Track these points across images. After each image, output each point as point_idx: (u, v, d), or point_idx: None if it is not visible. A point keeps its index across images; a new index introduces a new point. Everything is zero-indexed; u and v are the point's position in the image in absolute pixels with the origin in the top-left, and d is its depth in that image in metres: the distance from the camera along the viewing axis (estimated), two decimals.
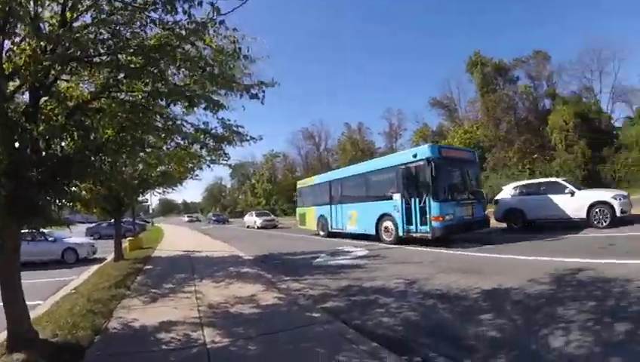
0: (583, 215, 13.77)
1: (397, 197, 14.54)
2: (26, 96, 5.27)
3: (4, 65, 4.65)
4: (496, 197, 17.33)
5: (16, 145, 4.71)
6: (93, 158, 5.67)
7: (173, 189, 15.41)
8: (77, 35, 4.59)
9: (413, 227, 13.79)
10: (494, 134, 43.95)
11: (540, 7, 73.70)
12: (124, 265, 12.17)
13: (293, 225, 30.36)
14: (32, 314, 5.77)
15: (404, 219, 14.08)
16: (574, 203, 14.05)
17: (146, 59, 4.97)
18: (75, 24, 4.83)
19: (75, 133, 5.53)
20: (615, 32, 62.47)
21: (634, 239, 10.72)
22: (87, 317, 6.06)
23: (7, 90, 4.80)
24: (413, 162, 13.95)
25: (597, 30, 66.08)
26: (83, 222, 29.95)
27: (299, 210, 25.11)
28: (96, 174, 6.29)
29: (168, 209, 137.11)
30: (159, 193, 16.20)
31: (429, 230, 12.99)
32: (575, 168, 35.91)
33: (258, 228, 35.04)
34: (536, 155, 39.83)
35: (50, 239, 14.95)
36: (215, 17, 4.60)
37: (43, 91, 5.13)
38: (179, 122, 6.40)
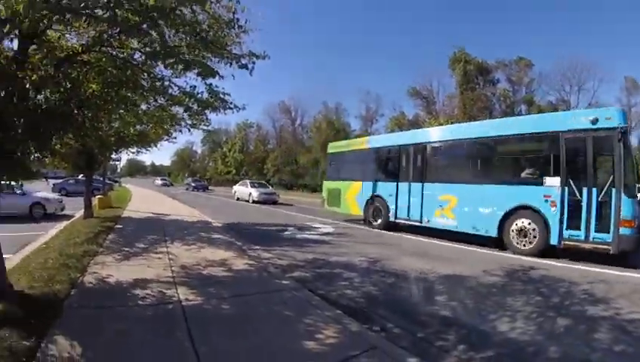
0: None
1: (553, 182, 9.53)
2: (14, 44, 5.20)
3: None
4: None
5: (1, 93, 4.66)
6: (76, 112, 5.66)
7: (147, 150, 15.21)
8: None
9: (580, 233, 9.03)
10: None
11: (532, 14, 74.86)
12: (95, 223, 12.07)
13: (308, 204, 29.80)
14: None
15: (564, 219, 9.25)
16: None
17: (144, 19, 4.97)
18: None
19: (62, 84, 5.52)
20: (600, 52, 65.00)
21: None
22: (62, 271, 6.07)
23: None
24: (589, 130, 9.08)
25: (583, 48, 69.63)
26: (49, 177, 29.21)
27: (328, 185, 18.03)
28: (78, 128, 6.27)
29: (135, 170, 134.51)
30: (132, 153, 15.92)
31: (610, 239, 8.56)
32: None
33: (254, 201, 28.65)
34: None
35: (18, 192, 14.47)
36: None
37: (33, 39, 5.08)
38: (166, 83, 6.40)
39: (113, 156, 17.78)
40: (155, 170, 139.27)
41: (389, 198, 14.04)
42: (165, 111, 7.94)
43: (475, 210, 11.05)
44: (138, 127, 11.10)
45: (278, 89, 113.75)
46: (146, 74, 6.16)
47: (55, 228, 11.47)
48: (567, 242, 9.16)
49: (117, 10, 4.89)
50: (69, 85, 5.57)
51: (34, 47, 5.28)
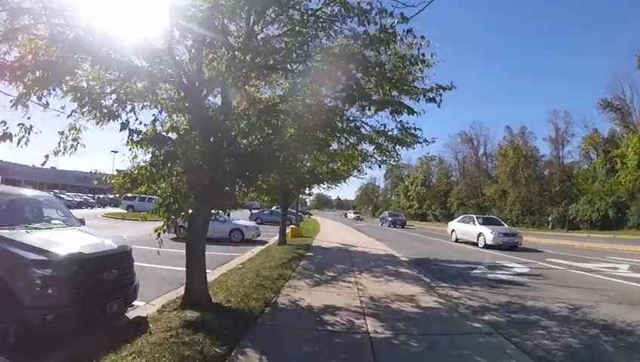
0: None
1: None
2: (219, 99, 6.24)
3: (205, 72, 5.58)
4: None
5: (211, 139, 5.56)
6: (277, 153, 6.45)
7: (336, 185, 16.42)
8: (259, 44, 5.29)
9: None
10: None
11: None
12: (288, 249, 13.40)
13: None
14: None
15: None
16: None
17: (333, 65, 5.43)
18: (260, 36, 5.59)
19: (265, 130, 6.38)
20: None
21: None
22: (257, 291, 6.76)
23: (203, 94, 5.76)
24: None
25: None
26: (247, 207, 33.35)
27: None
28: (279, 167, 7.14)
29: (322, 203, 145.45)
30: (323, 188, 17.43)
31: None
32: None
33: (486, 246, 19.35)
34: None
35: (220, 219, 16.59)
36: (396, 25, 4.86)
37: (232, 94, 5.97)
38: (358, 123, 6.86)
39: (306, 191, 19.50)
40: (340, 204, 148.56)
41: None
42: (356, 149, 8.52)
43: None
44: (331, 165, 12.11)
45: (459, 118, 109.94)
46: (338, 117, 6.69)
47: (251, 252, 13.01)
48: None
49: (307, 62, 5.51)
50: (270, 131, 6.41)
51: (236, 101, 6.24)
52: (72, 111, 5.35)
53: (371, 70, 5.49)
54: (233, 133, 5.82)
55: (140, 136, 5.13)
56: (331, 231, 27.58)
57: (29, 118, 4.83)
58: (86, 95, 5.16)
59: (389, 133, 6.90)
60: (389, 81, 5.75)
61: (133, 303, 5.52)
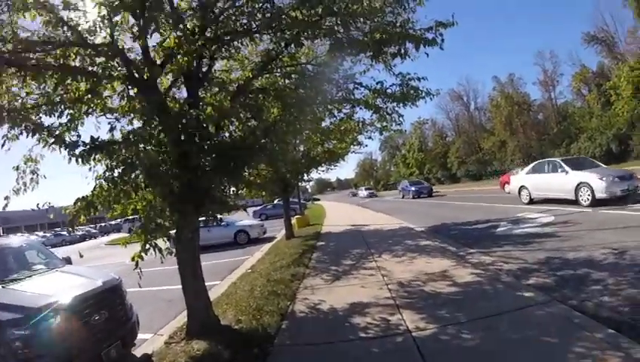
0: None
1: None
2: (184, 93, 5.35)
3: (153, 55, 4.64)
4: None
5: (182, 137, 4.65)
6: (263, 140, 5.52)
7: (335, 166, 15.47)
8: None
9: None
10: None
11: None
12: (297, 243, 12.56)
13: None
14: (211, 296, 5.82)
15: None
16: None
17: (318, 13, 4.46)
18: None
19: (242, 115, 5.47)
20: None
21: None
22: (270, 300, 5.92)
23: (163, 87, 4.89)
24: None
25: None
26: (248, 206, 32.62)
27: None
28: (270, 155, 6.21)
29: (323, 187, 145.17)
30: (322, 171, 16.42)
31: None
32: None
33: (596, 202, 12.10)
34: None
35: (222, 224, 16.00)
36: None
37: (198, 81, 5.08)
38: (351, 86, 5.89)
39: (305, 178, 18.62)
40: (341, 185, 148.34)
41: None
42: (351, 120, 7.49)
43: None
44: (326, 145, 11.17)
45: (445, 78, 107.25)
46: (326, 83, 5.73)
47: (259, 251, 12.23)
48: None
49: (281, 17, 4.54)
50: (249, 115, 5.49)
51: (202, 88, 5.35)
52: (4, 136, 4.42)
53: (366, 12, 4.53)
54: (205, 125, 4.85)
55: (81, 149, 4.19)
56: (338, 214, 26.65)
57: None
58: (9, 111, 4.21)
59: (388, 90, 5.87)
60: (381, 26, 4.78)
61: (140, 337, 4.91)
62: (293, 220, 18.26)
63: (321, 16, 4.48)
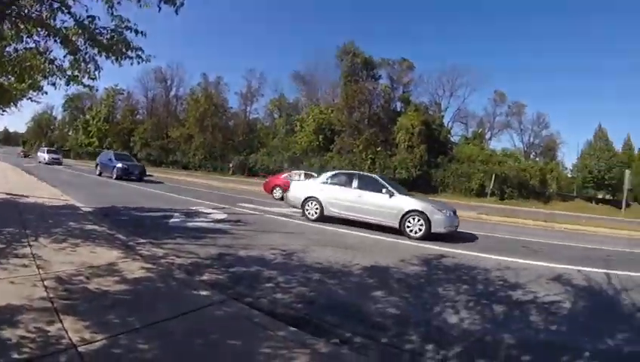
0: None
1: None
2: None
3: None
4: None
5: None
6: None
7: (3, 111, 11.68)
8: None
9: None
10: (347, 121, 47.59)
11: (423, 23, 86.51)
12: None
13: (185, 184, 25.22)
14: None
15: None
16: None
17: None
18: None
19: None
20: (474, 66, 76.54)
21: None
22: None
23: None
24: None
25: (462, 58, 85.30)
26: None
27: None
28: None
29: None
30: None
31: None
32: (412, 167, 41.37)
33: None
34: (379, 148, 44.23)
35: None
36: None
37: None
38: (56, 5, 4.40)
39: None
40: (7, 139, 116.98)
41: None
42: (40, 55, 5.63)
43: None
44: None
45: (157, 52, 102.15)
46: None
47: None
48: None
49: None
50: None
51: None
52: None
53: None
54: None
55: None
56: None
57: None
58: None
59: (97, 31, 4.68)
60: None
61: None
62: None
63: None
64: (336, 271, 6.70)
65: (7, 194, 12.10)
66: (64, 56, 5.56)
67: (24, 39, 5.08)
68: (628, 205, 35.39)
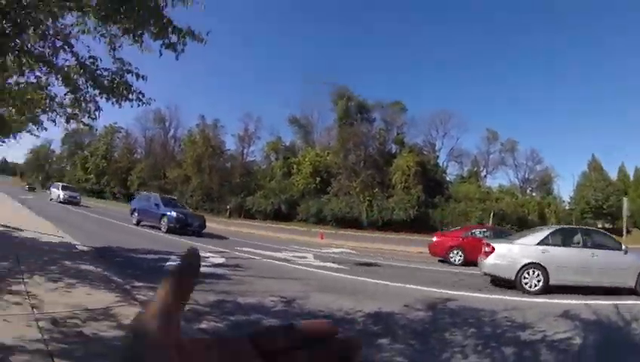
0: None
1: None
2: None
3: None
4: None
5: None
6: None
7: (2, 142, 11.73)
8: None
9: None
10: (343, 163, 48.25)
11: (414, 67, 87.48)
12: None
13: None
14: None
15: None
16: None
17: None
18: None
19: None
20: (464, 106, 77.42)
21: None
22: None
23: None
24: None
25: (452, 101, 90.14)
26: None
27: None
28: None
29: None
30: None
31: None
32: (409, 208, 41.40)
33: None
34: (376, 190, 44.41)
35: None
36: None
37: None
38: (58, 44, 4.50)
39: None
40: (4, 169, 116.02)
41: None
42: (41, 90, 5.72)
43: None
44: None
45: (160, 93, 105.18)
46: (32, 28, 4.21)
47: None
48: None
49: None
50: None
51: None
52: None
53: None
54: None
55: None
56: None
57: None
58: None
59: (98, 72, 4.77)
60: None
61: None
62: None
63: None
64: (339, 318, 6.58)
65: (3, 226, 11.86)
66: (65, 94, 5.65)
67: (26, 73, 5.16)
68: (629, 231, 35.14)
